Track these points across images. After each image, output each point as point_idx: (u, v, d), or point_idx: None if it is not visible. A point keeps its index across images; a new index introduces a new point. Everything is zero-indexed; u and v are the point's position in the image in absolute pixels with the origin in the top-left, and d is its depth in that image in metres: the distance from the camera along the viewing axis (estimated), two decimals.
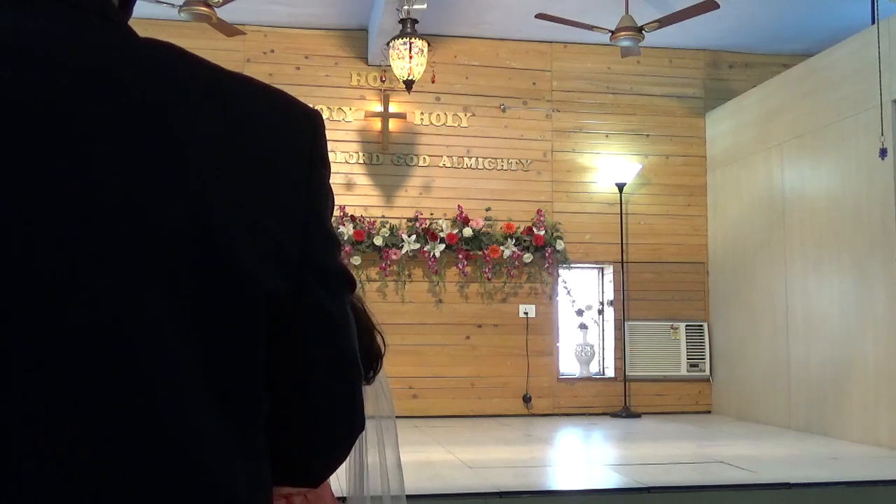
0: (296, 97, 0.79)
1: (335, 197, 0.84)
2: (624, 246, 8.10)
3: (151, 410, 0.66)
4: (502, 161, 8.01)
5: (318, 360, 0.79)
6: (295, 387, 0.78)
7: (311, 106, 0.80)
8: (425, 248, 7.69)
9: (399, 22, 6.71)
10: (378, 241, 7.60)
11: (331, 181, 0.80)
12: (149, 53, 0.72)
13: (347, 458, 0.90)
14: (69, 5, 0.70)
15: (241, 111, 0.73)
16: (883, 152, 5.65)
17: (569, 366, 8.17)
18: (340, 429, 0.83)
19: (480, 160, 7.98)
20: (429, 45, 6.84)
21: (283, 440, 0.78)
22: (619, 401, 7.94)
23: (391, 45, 6.76)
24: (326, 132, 0.80)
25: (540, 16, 6.46)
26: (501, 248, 7.78)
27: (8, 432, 0.63)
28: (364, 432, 1.05)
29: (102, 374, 0.65)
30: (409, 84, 6.79)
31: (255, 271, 0.71)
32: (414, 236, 7.67)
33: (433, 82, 7.41)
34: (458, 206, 7.82)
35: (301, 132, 0.77)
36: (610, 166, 8.05)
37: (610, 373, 8.16)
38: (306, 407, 0.80)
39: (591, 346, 8.18)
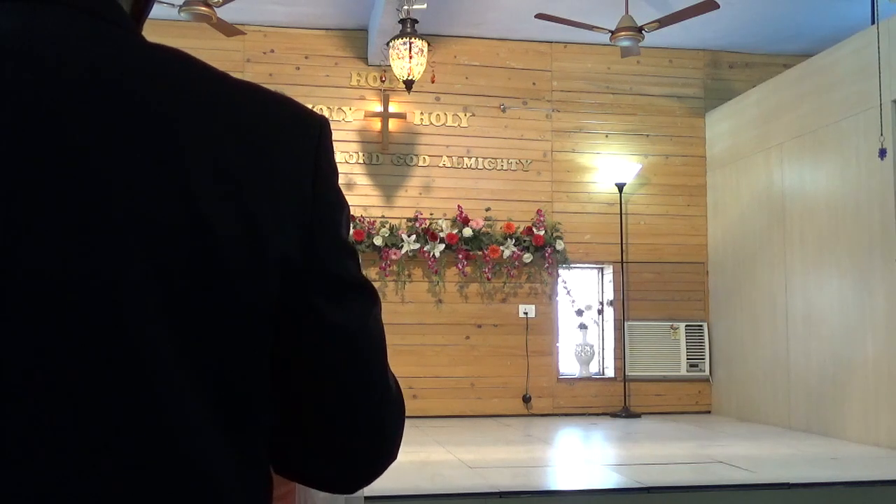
0: (302, 103, 0.79)
1: None
2: (624, 246, 8.10)
3: (148, 415, 0.66)
4: (502, 161, 8.01)
5: (330, 377, 0.76)
6: (310, 402, 0.76)
7: (317, 112, 0.80)
8: (425, 248, 7.69)
9: (399, 22, 6.71)
10: (378, 241, 7.59)
11: None
12: (153, 57, 0.72)
13: None
14: (76, 8, 0.70)
15: (244, 116, 0.73)
16: (882, 152, 5.65)
17: (569, 366, 8.17)
18: (360, 450, 0.80)
19: (480, 160, 7.98)
20: (429, 45, 6.84)
21: (301, 447, 0.78)
22: (618, 401, 7.94)
23: (391, 45, 6.76)
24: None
25: (540, 16, 6.46)
26: (501, 248, 7.78)
27: (2, 436, 0.62)
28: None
29: (98, 378, 0.64)
30: (409, 84, 6.79)
31: (255, 277, 0.69)
32: (414, 236, 7.67)
33: (433, 82, 7.41)
34: (458, 206, 7.82)
35: (305, 137, 0.77)
36: (610, 166, 8.05)
37: (610, 373, 8.16)
38: (325, 425, 0.78)
39: (591, 346, 8.17)
